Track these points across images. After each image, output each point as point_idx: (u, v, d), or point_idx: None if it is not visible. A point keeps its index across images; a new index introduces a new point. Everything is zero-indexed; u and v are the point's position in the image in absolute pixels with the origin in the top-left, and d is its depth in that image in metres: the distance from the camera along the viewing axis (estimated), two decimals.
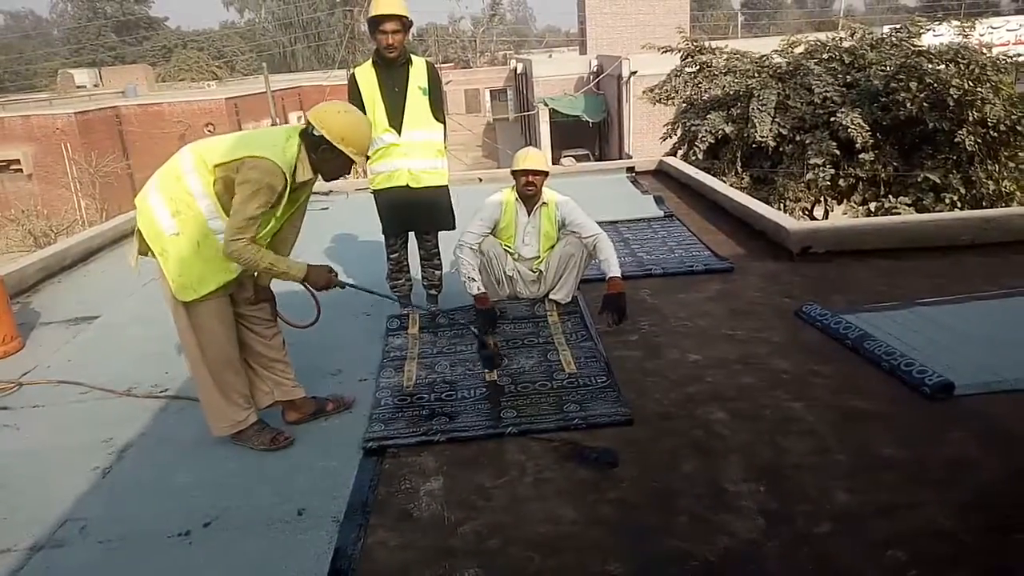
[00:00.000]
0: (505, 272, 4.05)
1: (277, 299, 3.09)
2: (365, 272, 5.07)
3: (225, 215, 2.69)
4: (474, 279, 3.91)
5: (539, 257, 4.10)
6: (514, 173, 3.99)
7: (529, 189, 3.95)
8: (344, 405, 3.26)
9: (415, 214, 4.12)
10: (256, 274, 2.91)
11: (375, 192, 4.11)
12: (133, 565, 2.37)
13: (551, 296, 4.06)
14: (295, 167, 2.72)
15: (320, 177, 2.84)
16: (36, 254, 6.07)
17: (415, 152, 3.95)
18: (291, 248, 3.05)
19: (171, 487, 2.78)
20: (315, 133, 2.70)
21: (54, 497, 2.74)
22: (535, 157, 3.95)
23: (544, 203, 4.03)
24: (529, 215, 4.05)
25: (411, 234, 4.31)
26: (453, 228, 4.23)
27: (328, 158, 2.75)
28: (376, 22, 3.80)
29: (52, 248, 6.25)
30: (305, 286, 2.89)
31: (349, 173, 2.99)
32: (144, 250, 2.78)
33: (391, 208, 4.13)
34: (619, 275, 3.83)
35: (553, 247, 4.08)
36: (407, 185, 4.01)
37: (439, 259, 4.32)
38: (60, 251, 6.01)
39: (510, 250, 4.08)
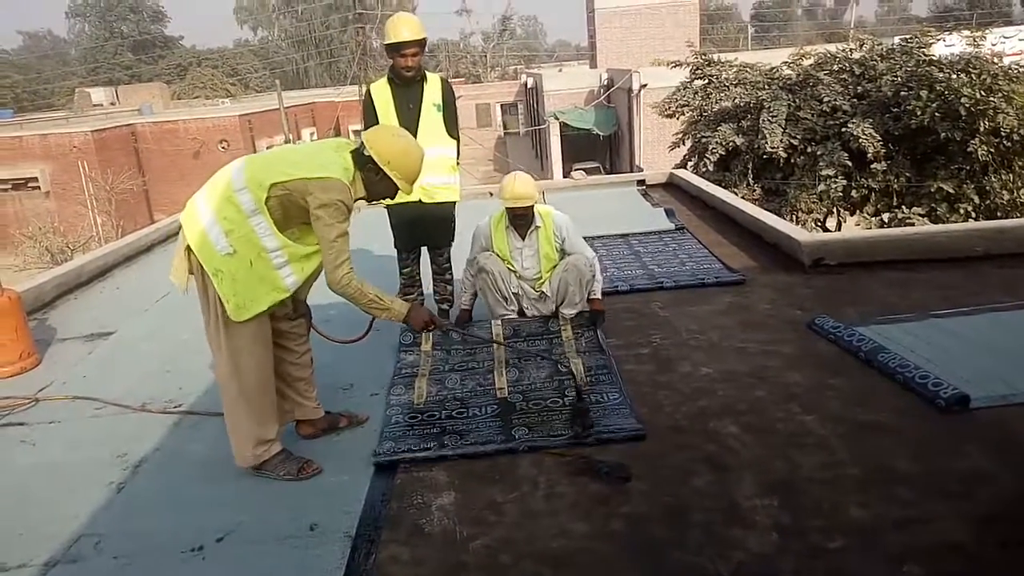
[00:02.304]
0: (511, 290, 4.03)
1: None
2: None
3: (279, 232, 2.68)
4: (463, 292, 4.14)
5: (541, 278, 4.04)
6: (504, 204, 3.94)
7: (519, 220, 3.94)
8: (357, 421, 3.27)
9: (428, 229, 4.18)
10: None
11: (388, 207, 4.15)
12: None
13: (561, 310, 4.03)
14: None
15: (367, 198, 2.89)
16: (53, 271, 6.14)
17: (429, 168, 3.93)
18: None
19: (185, 502, 2.79)
20: (365, 153, 2.74)
21: (69, 512, 2.76)
22: (522, 190, 3.84)
23: (539, 226, 3.97)
24: (524, 239, 4.00)
25: (423, 249, 4.35)
26: (451, 242, 4.32)
27: (374, 179, 2.78)
28: (396, 46, 3.85)
29: (68, 265, 6.32)
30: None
31: (393, 197, 2.96)
32: (191, 270, 2.72)
33: (404, 223, 4.19)
34: (600, 296, 4.08)
35: (555, 267, 4.00)
36: (420, 200, 4.04)
37: (451, 274, 4.37)
38: (76, 268, 6.08)
39: (513, 269, 4.05)
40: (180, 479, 2.97)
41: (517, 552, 2.36)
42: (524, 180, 3.91)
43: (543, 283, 4.04)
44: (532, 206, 3.90)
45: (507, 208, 3.91)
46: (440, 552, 2.39)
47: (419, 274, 4.32)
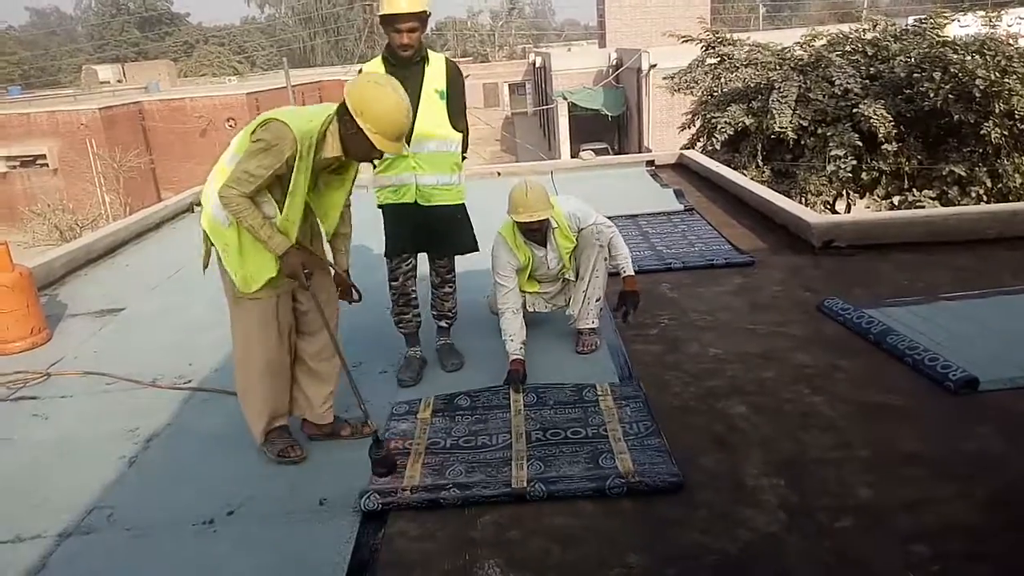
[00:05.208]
0: (538, 310, 3.87)
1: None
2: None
3: (270, 196, 2.58)
4: (512, 338, 3.49)
5: (565, 267, 3.80)
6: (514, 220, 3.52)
7: (534, 235, 3.57)
8: (359, 433, 2.98)
9: (426, 235, 3.56)
10: (312, 242, 2.81)
11: (382, 207, 3.56)
12: (159, 553, 2.41)
13: (576, 325, 3.75)
14: (321, 140, 2.56)
15: (346, 156, 2.63)
16: (62, 247, 6.16)
17: (426, 166, 3.40)
18: (339, 212, 2.87)
19: (195, 476, 2.82)
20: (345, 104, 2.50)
21: (82, 485, 2.80)
22: (535, 204, 3.40)
23: (555, 227, 3.63)
24: (546, 245, 3.69)
25: (420, 258, 3.77)
26: (476, 249, 3.67)
27: (349, 132, 2.50)
28: (391, 19, 3.26)
29: (78, 242, 6.35)
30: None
31: (379, 157, 2.67)
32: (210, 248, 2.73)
33: (397, 227, 3.57)
34: (633, 274, 3.69)
35: (575, 247, 3.74)
36: (415, 202, 3.47)
37: (453, 284, 3.75)
38: (86, 244, 6.11)
39: (540, 290, 3.84)
40: (191, 453, 3.00)
41: (525, 529, 2.37)
42: (536, 192, 3.43)
43: (568, 271, 3.81)
44: (548, 218, 3.47)
45: (518, 223, 3.47)
46: (449, 528, 2.41)
47: (414, 288, 3.68)
